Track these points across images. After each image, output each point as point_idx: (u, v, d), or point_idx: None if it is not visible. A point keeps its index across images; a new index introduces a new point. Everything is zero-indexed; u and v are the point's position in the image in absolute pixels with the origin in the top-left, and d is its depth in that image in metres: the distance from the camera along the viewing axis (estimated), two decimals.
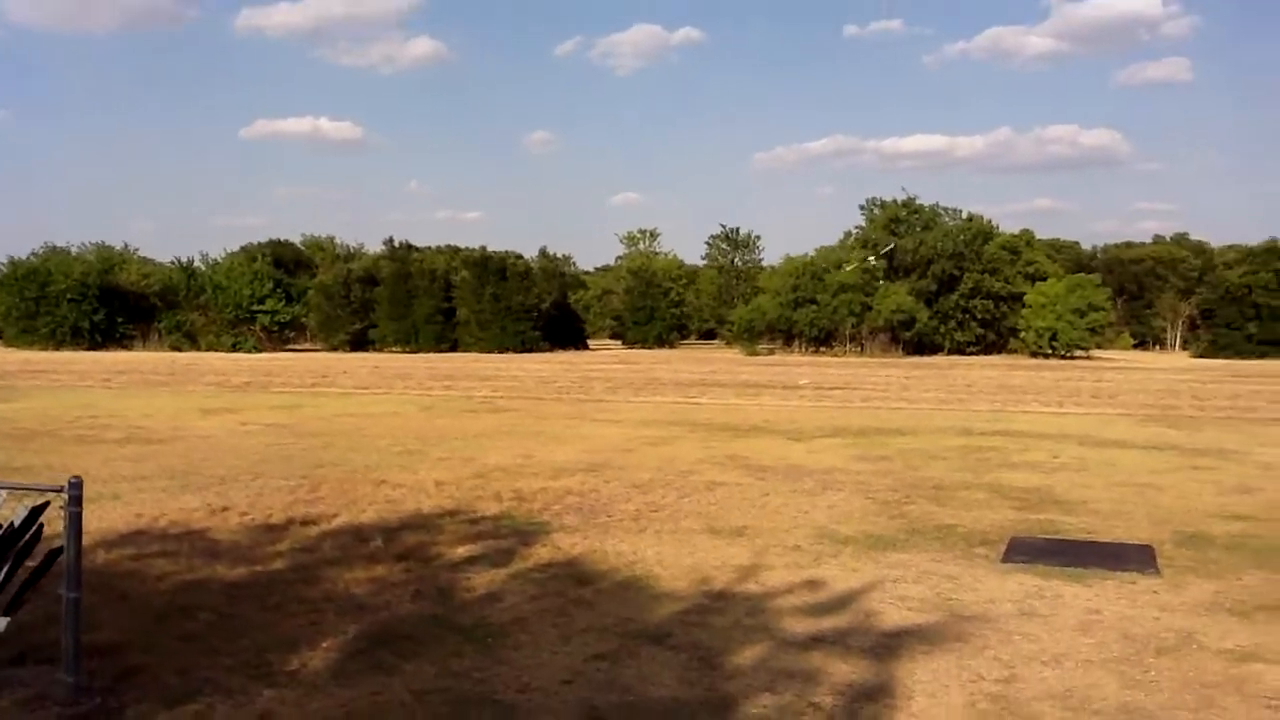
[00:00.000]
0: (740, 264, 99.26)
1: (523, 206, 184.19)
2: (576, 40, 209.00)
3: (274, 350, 74.45)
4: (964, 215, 78.48)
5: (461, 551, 9.09)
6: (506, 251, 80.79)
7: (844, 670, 6.11)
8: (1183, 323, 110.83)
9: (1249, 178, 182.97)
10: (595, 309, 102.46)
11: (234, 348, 73.04)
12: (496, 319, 74.84)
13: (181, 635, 6.53)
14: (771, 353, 72.95)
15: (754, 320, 75.82)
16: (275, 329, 79.72)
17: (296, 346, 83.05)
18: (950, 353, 72.33)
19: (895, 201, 78.80)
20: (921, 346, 72.44)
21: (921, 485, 13.18)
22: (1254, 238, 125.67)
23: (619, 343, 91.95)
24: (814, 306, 73.04)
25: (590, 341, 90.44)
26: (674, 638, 6.71)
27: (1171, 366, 60.54)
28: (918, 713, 5.45)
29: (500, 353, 70.30)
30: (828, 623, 7.09)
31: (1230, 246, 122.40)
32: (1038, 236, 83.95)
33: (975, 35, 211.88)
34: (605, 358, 65.20)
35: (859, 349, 72.44)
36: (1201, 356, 78.23)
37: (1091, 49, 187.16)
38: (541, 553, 9.10)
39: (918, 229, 76.52)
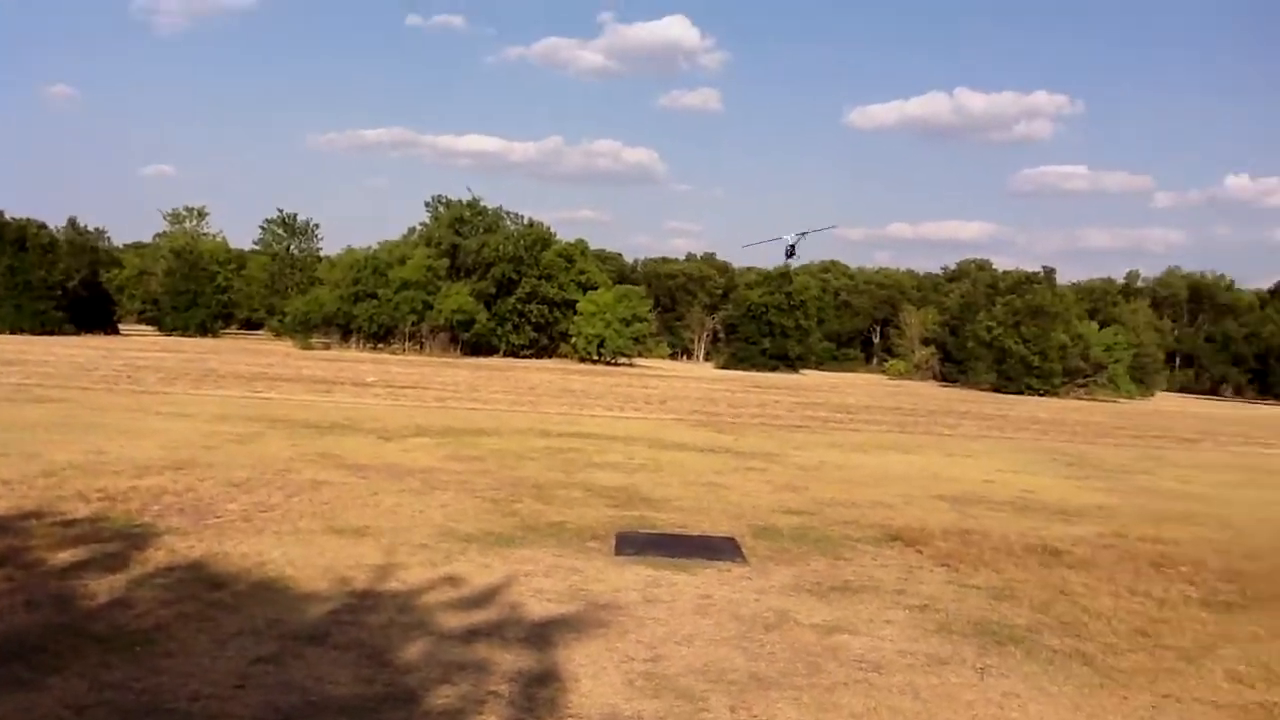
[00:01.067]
0: (297, 252, 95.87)
1: (36, 168, 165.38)
2: None
3: None
4: (525, 220, 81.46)
5: (65, 556, 8.35)
6: (27, 219, 72.22)
7: (509, 659, 6.49)
8: (707, 335, 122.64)
9: (766, 205, 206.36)
10: (130, 290, 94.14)
11: None
12: (12, 295, 66.85)
13: None
14: (327, 347, 71.21)
15: (310, 312, 73.63)
16: None
17: None
18: (506, 355, 74.70)
19: (460, 201, 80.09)
20: (479, 348, 74.18)
21: (522, 484, 13.83)
22: (770, 261, 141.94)
23: (154, 329, 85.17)
24: (375, 302, 72.37)
25: (121, 326, 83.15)
26: (334, 637, 6.72)
27: (702, 376, 66.88)
28: (587, 693, 5.96)
29: (15, 334, 62.76)
30: (479, 616, 7.43)
31: (749, 268, 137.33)
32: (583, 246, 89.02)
33: (534, 42, 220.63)
34: (146, 345, 60.26)
35: (419, 347, 72.74)
36: (724, 368, 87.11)
37: (638, 70, 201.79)
38: (158, 556, 8.59)
39: (481, 230, 78.27)
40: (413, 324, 72.99)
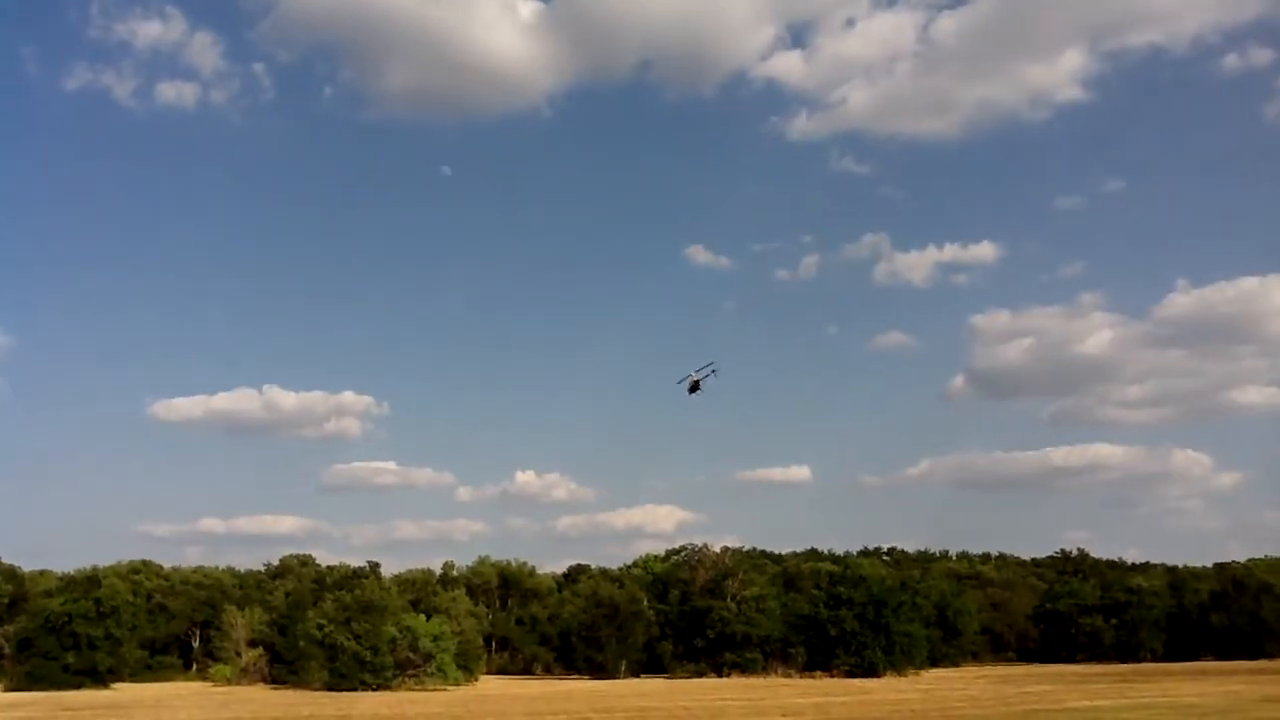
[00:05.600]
0: None
1: None
2: None
3: None
4: None
5: None
6: None
7: None
8: None
9: (59, 498, 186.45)
10: None
11: None
12: None
13: None
14: None
15: None
16: None
17: None
18: None
19: None
20: None
21: None
22: (81, 559, 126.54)
23: None
24: None
25: None
26: None
27: None
28: None
29: None
30: None
31: (43, 572, 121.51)
32: None
33: None
34: None
35: None
36: (16, 689, 74.66)
37: None
38: None
39: None
40: None
